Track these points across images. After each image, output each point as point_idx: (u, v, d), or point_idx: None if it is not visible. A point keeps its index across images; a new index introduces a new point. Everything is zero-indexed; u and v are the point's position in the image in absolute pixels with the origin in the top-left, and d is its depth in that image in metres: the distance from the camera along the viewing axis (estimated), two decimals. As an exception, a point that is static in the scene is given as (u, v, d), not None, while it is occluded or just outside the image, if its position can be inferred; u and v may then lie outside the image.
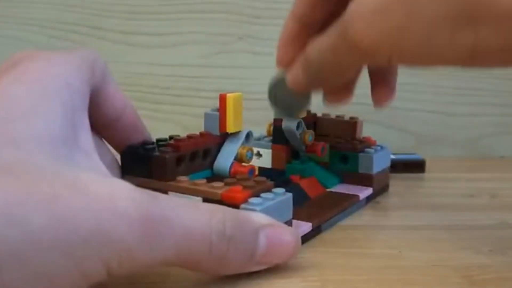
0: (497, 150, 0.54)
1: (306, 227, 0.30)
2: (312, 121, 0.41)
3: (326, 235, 0.31)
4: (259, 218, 0.25)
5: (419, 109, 0.53)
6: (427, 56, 0.23)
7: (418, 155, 0.48)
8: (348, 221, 0.34)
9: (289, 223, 0.28)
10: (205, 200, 0.27)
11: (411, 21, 0.22)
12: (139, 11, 0.52)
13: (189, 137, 0.31)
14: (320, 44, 0.28)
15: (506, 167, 0.49)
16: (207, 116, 0.32)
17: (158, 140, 0.31)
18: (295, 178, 0.36)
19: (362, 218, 0.35)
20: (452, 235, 0.32)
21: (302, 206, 0.33)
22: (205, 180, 0.28)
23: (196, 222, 0.22)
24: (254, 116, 0.50)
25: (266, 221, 0.25)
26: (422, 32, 0.22)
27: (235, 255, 0.23)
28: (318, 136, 0.39)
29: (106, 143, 0.30)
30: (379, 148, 0.39)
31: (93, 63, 0.26)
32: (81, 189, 0.19)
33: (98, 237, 0.19)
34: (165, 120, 0.53)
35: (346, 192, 0.36)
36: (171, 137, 0.32)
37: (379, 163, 0.38)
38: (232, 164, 0.31)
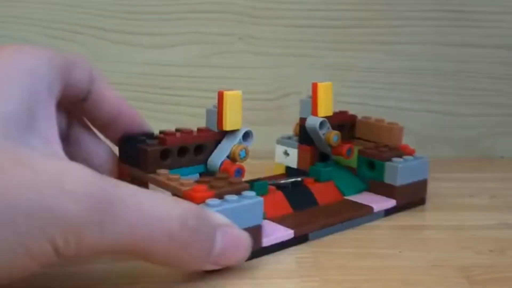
0: (497, 150, 0.54)
1: (284, 234, 0.29)
2: (350, 122, 0.40)
3: (325, 235, 0.31)
4: (217, 217, 0.25)
5: (419, 109, 0.53)
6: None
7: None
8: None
9: (257, 228, 0.27)
10: (174, 195, 0.27)
11: None
12: (139, 11, 0.52)
13: (183, 132, 0.31)
14: None
15: (506, 167, 0.49)
16: (208, 112, 0.32)
17: (161, 132, 0.31)
18: (309, 181, 0.35)
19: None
20: (452, 235, 0.32)
21: (303, 211, 0.32)
22: (178, 176, 0.28)
23: (156, 209, 0.22)
24: (253, 116, 0.50)
25: (223, 221, 0.25)
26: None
27: (194, 249, 0.23)
28: (356, 139, 0.39)
29: (105, 139, 0.30)
30: (411, 158, 0.36)
31: (72, 64, 0.26)
32: (27, 164, 0.19)
33: (41, 212, 0.19)
34: (165, 120, 0.53)
35: (363, 202, 0.34)
36: (177, 130, 0.32)
37: (406, 174, 0.35)
38: (223, 161, 0.31)
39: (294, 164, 0.38)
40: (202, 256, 0.24)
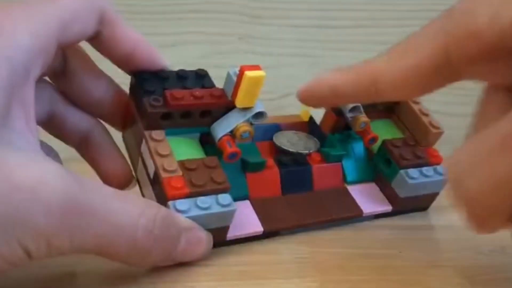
0: (497, 150, 0.54)
1: (252, 230, 0.29)
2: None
3: (325, 235, 0.31)
4: (184, 221, 0.25)
5: (419, 109, 0.53)
6: None
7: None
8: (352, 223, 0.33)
9: (224, 228, 0.27)
10: (155, 173, 0.27)
11: None
12: (139, 11, 0.52)
13: (193, 95, 0.29)
14: (496, 170, 0.18)
15: (506, 167, 0.49)
16: (227, 76, 0.30)
17: (178, 74, 0.30)
18: (315, 159, 0.33)
19: (366, 220, 0.35)
20: (452, 235, 0.32)
21: (291, 196, 0.32)
22: (169, 150, 0.27)
23: (124, 217, 0.23)
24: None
25: (188, 225, 0.25)
26: None
27: (157, 253, 0.24)
28: (394, 115, 0.36)
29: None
30: (430, 172, 0.33)
31: (70, 20, 0.24)
32: (5, 174, 0.20)
33: (15, 222, 0.20)
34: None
35: (358, 197, 0.33)
36: (197, 73, 0.31)
37: (415, 189, 0.33)
38: (223, 136, 0.29)
39: (317, 120, 0.36)
40: (163, 257, 0.25)
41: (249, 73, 0.28)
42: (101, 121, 0.31)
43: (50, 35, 0.23)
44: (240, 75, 0.28)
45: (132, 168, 0.30)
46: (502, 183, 0.18)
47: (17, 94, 0.22)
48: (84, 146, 0.30)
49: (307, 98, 0.27)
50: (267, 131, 0.35)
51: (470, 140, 0.20)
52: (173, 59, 0.52)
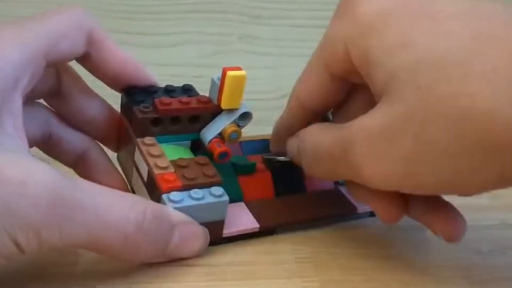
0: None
1: (248, 227, 0.29)
2: None
3: (325, 235, 0.31)
4: (177, 215, 0.25)
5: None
6: (445, 187, 0.22)
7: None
8: (348, 221, 0.34)
9: (219, 223, 0.27)
10: (148, 173, 0.27)
11: (422, 150, 0.21)
12: (139, 11, 0.52)
13: (181, 101, 0.30)
14: (317, 142, 0.27)
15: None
16: (212, 82, 0.31)
17: (166, 88, 0.31)
18: None
19: (362, 218, 0.35)
20: (452, 235, 0.32)
21: (285, 198, 0.32)
22: (162, 151, 0.28)
23: (113, 212, 0.23)
24: (253, 116, 0.50)
25: (182, 219, 0.26)
26: (436, 162, 0.21)
27: (149, 247, 0.24)
28: None
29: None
30: None
31: (59, 39, 0.26)
32: None
33: (3, 215, 0.20)
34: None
35: (350, 198, 0.33)
36: (184, 87, 0.31)
37: None
38: (213, 138, 0.30)
39: None
40: (156, 252, 0.25)
41: (231, 73, 0.29)
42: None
43: (38, 49, 0.25)
44: (223, 76, 0.30)
45: (128, 186, 0.31)
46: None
47: (6, 103, 0.23)
48: (81, 165, 0.31)
49: (279, 146, 0.32)
50: (257, 146, 0.35)
51: (318, 128, 0.28)
52: (173, 59, 0.52)
